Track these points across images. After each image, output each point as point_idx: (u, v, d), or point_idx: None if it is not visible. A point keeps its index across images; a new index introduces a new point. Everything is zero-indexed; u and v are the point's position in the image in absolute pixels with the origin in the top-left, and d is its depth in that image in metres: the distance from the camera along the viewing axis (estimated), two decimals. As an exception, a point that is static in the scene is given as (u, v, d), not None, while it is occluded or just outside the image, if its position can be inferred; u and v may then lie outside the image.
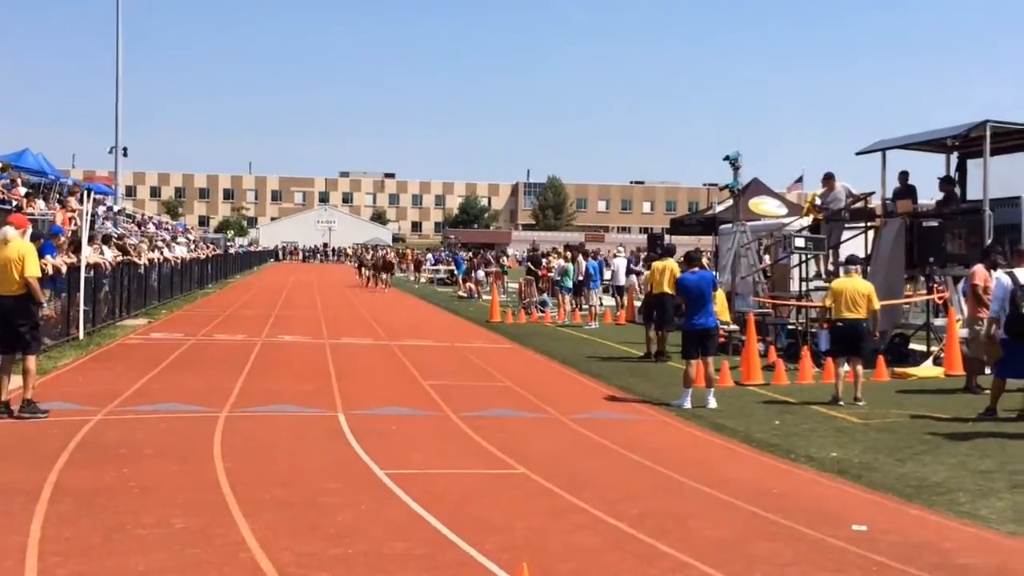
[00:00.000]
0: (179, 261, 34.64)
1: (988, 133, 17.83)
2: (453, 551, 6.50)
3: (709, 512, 7.88)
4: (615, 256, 32.87)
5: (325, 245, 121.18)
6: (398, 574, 6.00)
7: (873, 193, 21.33)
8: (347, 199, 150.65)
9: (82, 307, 19.10)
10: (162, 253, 31.39)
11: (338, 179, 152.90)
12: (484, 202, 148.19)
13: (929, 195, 20.86)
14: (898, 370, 16.50)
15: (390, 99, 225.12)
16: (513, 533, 6.97)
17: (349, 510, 7.46)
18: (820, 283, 20.27)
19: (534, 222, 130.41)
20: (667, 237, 35.84)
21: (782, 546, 6.87)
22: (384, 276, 48.40)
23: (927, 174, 20.37)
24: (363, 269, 53.75)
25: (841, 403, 13.33)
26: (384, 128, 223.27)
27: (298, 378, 14.97)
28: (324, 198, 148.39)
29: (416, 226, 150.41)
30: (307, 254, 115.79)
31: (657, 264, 19.94)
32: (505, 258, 53.11)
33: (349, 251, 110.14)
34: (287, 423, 11.20)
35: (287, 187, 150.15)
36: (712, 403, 13.11)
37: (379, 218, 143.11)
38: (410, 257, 70.60)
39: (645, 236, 50.86)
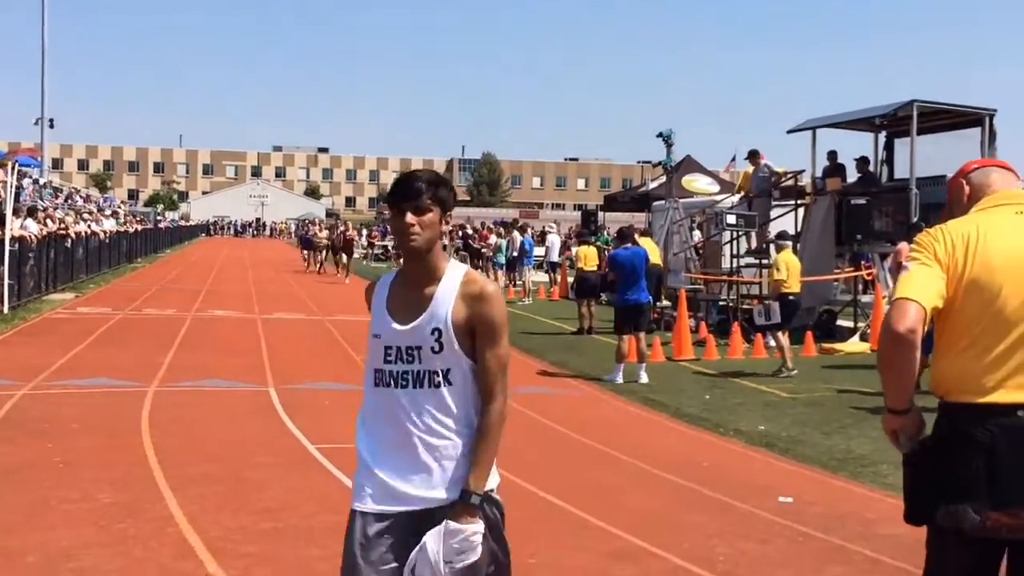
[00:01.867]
0: (107, 235, 34.06)
1: (915, 113, 18.13)
2: (384, 524, 6.49)
3: (638, 485, 7.97)
4: (548, 232, 32.96)
5: (258, 220, 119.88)
6: (329, 547, 5.97)
7: (803, 171, 21.61)
8: (280, 173, 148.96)
9: (6, 281, 18.71)
10: (90, 227, 30.84)
11: (271, 153, 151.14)
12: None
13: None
14: (826, 345, 16.77)
15: (325, 73, 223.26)
16: (444, 506, 6.97)
17: (279, 484, 7.43)
18: (751, 260, 20.54)
19: (469, 198, 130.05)
20: (601, 214, 36.08)
21: (709, 518, 6.97)
22: (344, 260, 35.84)
23: (856, 153, 20.67)
24: (312, 251, 40.98)
25: (795, 372, 13.58)
26: (318, 102, 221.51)
27: (229, 353, 14.82)
28: (257, 172, 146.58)
29: (350, 201, 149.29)
30: (239, 229, 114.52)
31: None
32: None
33: (287, 226, 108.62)
34: (217, 398, 11.10)
35: (219, 161, 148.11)
36: (644, 378, 13.23)
37: (312, 193, 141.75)
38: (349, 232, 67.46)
39: (579, 213, 51.08)
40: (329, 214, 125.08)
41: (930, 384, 3.16)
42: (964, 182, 3.35)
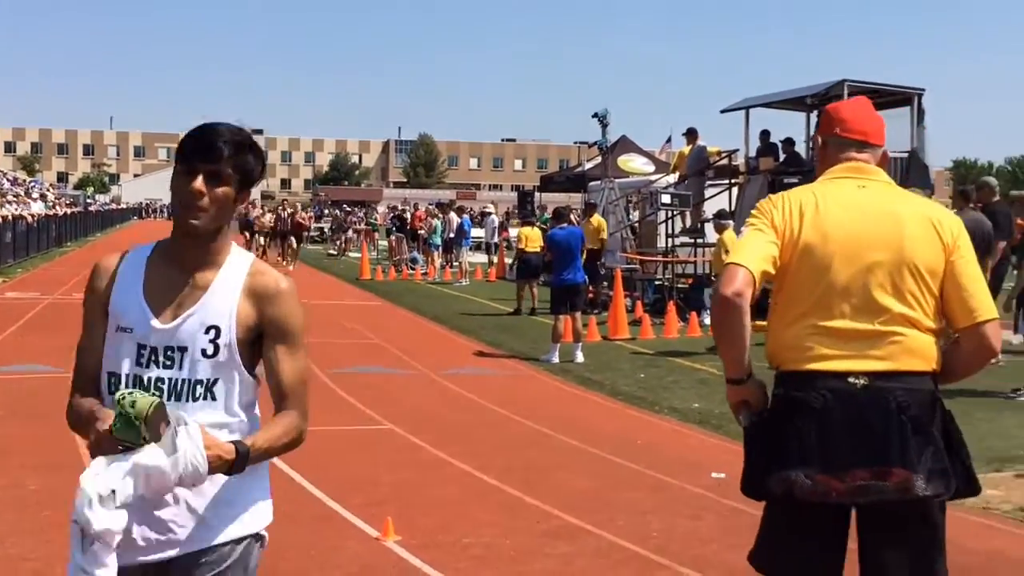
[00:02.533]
0: (35, 218, 33.38)
1: (845, 92, 18.32)
2: (318, 507, 6.47)
3: (574, 463, 8.00)
4: (486, 214, 32.83)
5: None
6: (261, 531, 5.93)
7: (737, 151, 21.78)
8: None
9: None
10: (17, 210, 30.20)
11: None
12: (355, 159, 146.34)
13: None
14: (758, 323, 16.89)
15: (259, 53, 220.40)
16: (378, 488, 6.96)
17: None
18: (686, 239, 20.66)
19: (405, 180, 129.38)
20: (537, 194, 36.10)
21: (643, 495, 7.02)
22: (294, 244, 32.48)
23: (790, 132, 20.86)
24: (254, 236, 35.20)
25: None
26: (252, 83, 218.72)
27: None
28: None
29: (285, 183, 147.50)
30: (172, 212, 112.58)
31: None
32: (376, 215, 52.56)
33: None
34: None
35: (151, 143, 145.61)
36: (580, 357, 13.27)
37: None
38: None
39: (516, 194, 51.08)
40: (264, 196, 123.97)
41: (765, 355, 3.18)
42: (823, 142, 3.32)
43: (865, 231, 3.03)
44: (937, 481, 2.94)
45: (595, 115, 22.27)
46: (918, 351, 3.02)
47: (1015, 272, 14.20)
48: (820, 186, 3.20)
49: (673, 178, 22.69)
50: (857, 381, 2.96)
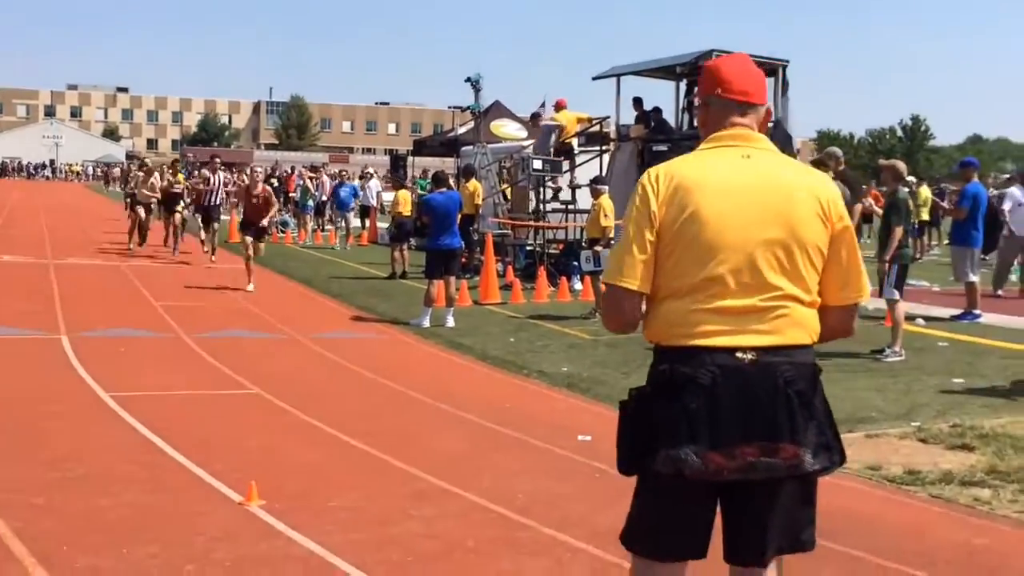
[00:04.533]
0: None
1: (714, 62, 18.63)
2: (180, 473, 6.36)
3: (442, 427, 8.02)
4: (369, 177, 32.38)
5: (52, 162, 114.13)
6: (120, 496, 5.81)
7: (608, 118, 21.98)
8: (76, 113, 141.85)
9: None
10: None
11: (65, 92, 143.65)
12: (224, 120, 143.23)
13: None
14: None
15: (123, 8, 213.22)
16: (243, 453, 6.88)
17: (70, 434, 7.15)
18: (557, 205, 20.81)
19: (277, 142, 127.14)
20: (411, 159, 35.87)
21: (511, 458, 7.09)
22: (214, 227, 21.93)
23: (660, 101, 21.16)
24: (145, 210, 23.23)
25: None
26: (116, 39, 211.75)
27: (19, 299, 14.12)
28: (51, 112, 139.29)
29: (152, 143, 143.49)
30: (32, 171, 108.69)
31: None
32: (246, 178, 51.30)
33: (83, 169, 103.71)
34: (3, 346, 10.57)
35: (8, 99, 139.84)
36: (451, 322, 13.28)
37: (111, 134, 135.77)
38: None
39: (389, 157, 50.67)
40: (130, 156, 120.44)
41: (644, 329, 3.12)
42: (703, 102, 3.24)
43: (750, 206, 2.97)
44: (822, 455, 2.96)
45: (468, 79, 22.18)
46: (802, 324, 3.02)
47: (867, 240, 14.66)
48: (703, 156, 3.12)
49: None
50: (745, 356, 2.93)
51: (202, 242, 23.13)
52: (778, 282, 2.97)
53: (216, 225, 21.84)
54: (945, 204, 14.55)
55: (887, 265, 11.18)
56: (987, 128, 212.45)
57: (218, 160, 23.27)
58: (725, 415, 2.89)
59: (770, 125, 14.01)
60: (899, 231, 11.16)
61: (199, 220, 23.25)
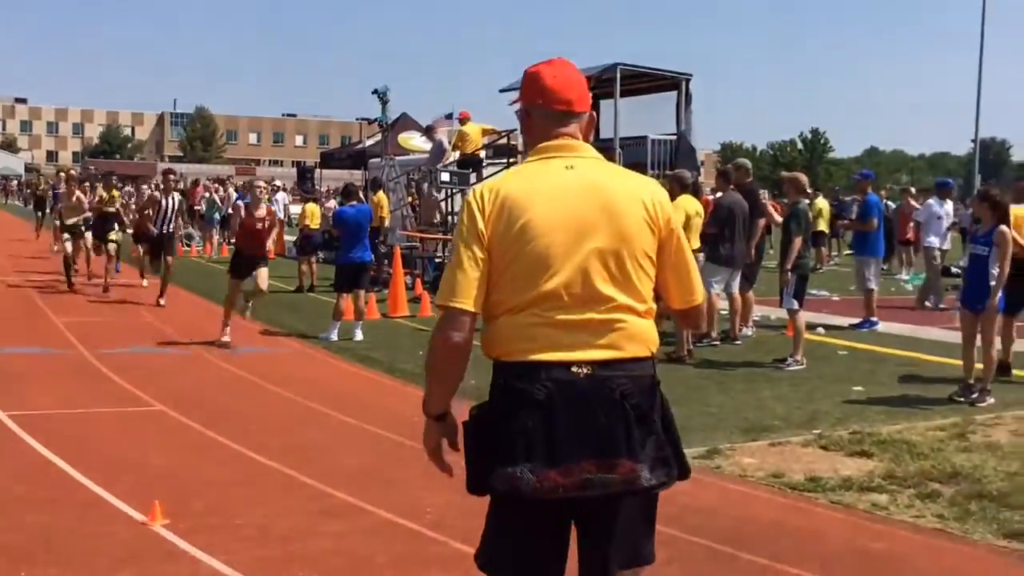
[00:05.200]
0: None
1: (618, 75, 18.91)
2: (82, 492, 6.24)
3: (351, 442, 7.98)
4: (277, 190, 31.98)
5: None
6: (21, 518, 5.68)
7: (515, 130, 22.08)
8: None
9: None
10: None
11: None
12: (128, 131, 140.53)
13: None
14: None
15: (20, 16, 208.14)
16: (147, 471, 6.77)
17: (-35, 456, 6.96)
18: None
19: (182, 154, 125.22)
20: (318, 171, 35.66)
21: (419, 472, 7.01)
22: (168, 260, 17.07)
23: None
24: (71, 235, 18.31)
25: None
26: (14, 49, 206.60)
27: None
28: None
29: (52, 155, 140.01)
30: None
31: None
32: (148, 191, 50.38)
33: (10, 183, 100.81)
34: None
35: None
36: (359, 335, 13.21)
37: (9, 146, 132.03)
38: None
39: (296, 170, 50.28)
40: (29, 169, 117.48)
41: (482, 345, 3.06)
42: (526, 110, 3.14)
43: (578, 217, 2.92)
44: (660, 470, 2.90)
45: (375, 91, 22.16)
46: (638, 336, 2.96)
47: (770, 250, 14.92)
48: (527, 170, 3.05)
49: (453, 156, 22.83)
50: (580, 370, 2.86)
51: (141, 274, 18.93)
52: (611, 293, 2.93)
53: (171, 259, 16.82)
54: (851, 218, 14.94)
55: (787, 275, 11.42)
56: (883, 141, 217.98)
57: (172, 177, 18.79)
58: (561, 432, 2.83)
59: (674, 137, 14.41)
60: (798, 242, 11.40)
61: (141, 251, 18.23)
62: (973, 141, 53.37)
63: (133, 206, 23.17)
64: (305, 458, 7.24)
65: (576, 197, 2.95)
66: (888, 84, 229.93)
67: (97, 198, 19.13)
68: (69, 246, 18.10)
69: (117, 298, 16.80)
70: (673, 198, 11.85)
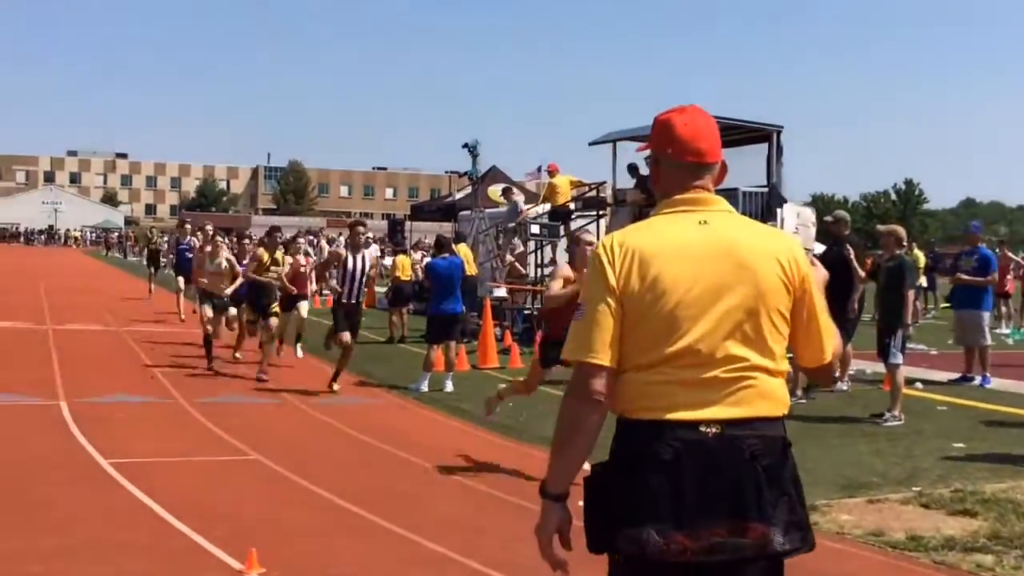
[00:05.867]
0: None
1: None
2: (180, 539, 6.33)
3: (441, 492, 7.99)
4: (371, 243, 32.46)
5: (51, 227, 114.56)
6: (121, 564, 5.79)
7: (604, 182, 22.14)
8: (75, 179, 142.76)
9: None
10: None
11: (65, 158, 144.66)
12: (223, 185, 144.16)
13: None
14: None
15: (122, 76, 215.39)
16: (243, 519, 6.85)
17: (69, 502, 7.13)
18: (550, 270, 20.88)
19: (275, 206, 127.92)
20: (408, 223, 36.06)
21: (511, 522, 7.04)
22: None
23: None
24: (212, 305, 15.08)
25: None
26: (115, 106, 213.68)
27: (17, 366, 14.11)
28: (50, 178, 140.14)
29: (150, 208, 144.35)
30: (29, 237, 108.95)
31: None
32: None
33: (83, 234, 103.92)
34: (3, 413, 10.55)
35: (7, 165, 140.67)
36: (449, 386, 13.27)
37: (110, 200, 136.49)
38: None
39: (387, 222, 50.96)
40: (128, 222, 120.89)
41: (610, 403, 2.88)
42: (656, 159, 3.05)
43: (712, 275, 2.83)
44: (794, 534, 2.79)
45: (465, 145, 22.45)
46: (770, 395, 2.85)
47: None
48: (658, 225, 2.95)
49: (543, 208, 22.94)
50: (709, 429, 2.75)
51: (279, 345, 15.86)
52: (743, 353, 2.82)
53: (348, 339, 13.16)
54: (963, 272, 14.44)
55: (906, 328, 11.23)
56: (980, 192, 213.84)
57: (362, 230, 13.71)
58: (688, 492, 2.71)
59: (765, 190, 14.25)
60: (911, 295, 11.24)
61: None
62: (1074, 191, 52.00)
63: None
64: (396, 507, 7.27)
65: (710, 254, 2.85)
66: (984, 132, 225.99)
67: (255, 260, 14.88)
68: (209, 310, 14.86)
69: (276, 386, 16.84)
70: (889, 251, 11.76)
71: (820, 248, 14.80)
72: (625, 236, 2.93)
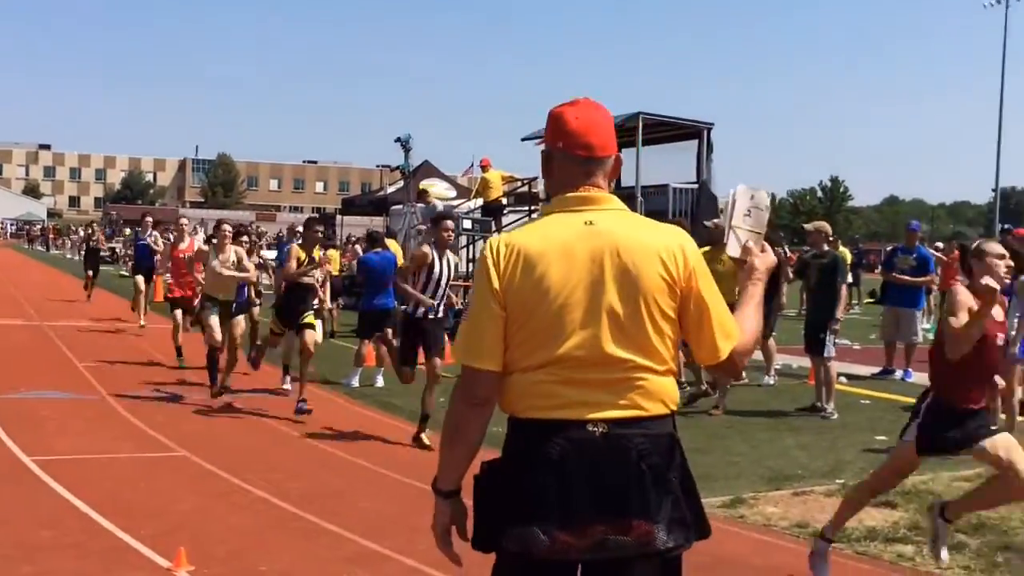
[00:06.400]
0: None
1: (641, 124, 19.05)
2: (106, 538, 6.25)
3: (373, 488, 7.99)
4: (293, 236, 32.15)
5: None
6: (45, 564, 5.70)
7: (537, 178, 22.22)
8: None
9: None
10: None
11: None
12: (149, 177, 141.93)
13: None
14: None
15: (45, 65, 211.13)
16: (171, 517, 6.78)
17: (-10, 500, 6.99)
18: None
19: (203, 199, 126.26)
20: (339, 217, 35.88)
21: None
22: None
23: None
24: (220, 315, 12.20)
25: None
26: (38, 96, 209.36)
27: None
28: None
29: (74, 201, 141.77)
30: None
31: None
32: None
33: (3, 227, 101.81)
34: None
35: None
36: (380, 381, 13.25)
37: (32, 192, 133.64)
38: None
39: (317, 216, 50.63)
40: (51, 214, 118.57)
41: (500, 401, 2.92)
42: (547, 154, 3.02)
43: (593, 276, 2.80)
44: (677, 531, 2.78)
45: (398, 139, 22.37)
46: (656, 394, 2.84)
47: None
48: (545, 225, 2.92)
49: (476, 203, 22.97)
50: (596, 429, 2.76)
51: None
52: (627, 355, 2.80)
53: (439, 362, 10.39)
54: (900, 274, 14.61)
55: (835, 324, 11.45)
56: (903, 190, 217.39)
57: (449, 225, 10.38)
58: (574, 491, 2.73)
59: (695, 186, 14.34)
60: (845, 290, 11.48)
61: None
62: (994, 190, 53.31)
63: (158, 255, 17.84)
64: (328, 504, 7.24)
65: (592, 255, 2.81)
66: (907, 133, 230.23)
67: (293, 260, 11.42)
68: (213, 329, 11.97)
69: (139, 342, 16.77)
70: (818, 247, 11.92)
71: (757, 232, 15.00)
72: (512, 236, 2.91)
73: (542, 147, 3.06)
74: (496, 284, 2.82)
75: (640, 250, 2.83)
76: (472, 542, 2.91)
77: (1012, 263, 9.67)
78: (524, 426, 2.83)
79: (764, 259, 3.17)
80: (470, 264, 20.42)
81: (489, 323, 2.83)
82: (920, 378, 14.23)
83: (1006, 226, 20.39)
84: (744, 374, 13.35)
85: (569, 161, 2.93)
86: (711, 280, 2.94)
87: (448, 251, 10.22)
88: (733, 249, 3.32)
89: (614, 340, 2.79)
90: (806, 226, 12.70)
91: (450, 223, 10.25)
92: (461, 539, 2.97)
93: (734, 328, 2.94)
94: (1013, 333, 9.42)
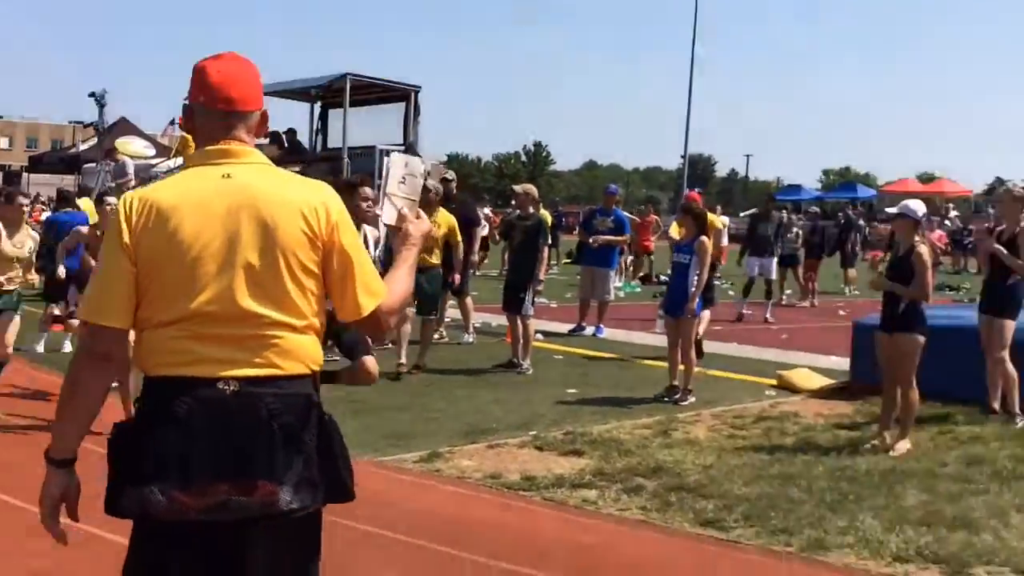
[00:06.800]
0: None
1: (348, 85, 18.98)
2: None
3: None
4: None
5: None
6: None
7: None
8: None
9: None
10: None
11: None
12: None
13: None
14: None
15: None
16: None
17: None
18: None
19: None
20: (25, 175, 33.76)
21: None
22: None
23: (300, 123, 21.17)
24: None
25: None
26: None
27: None
28: None
29: None
30: None
31: None
32: None
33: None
34: None
35: None
36: (68, 347, 12.64)
37: None
38: None
39: (1, 174, 47.32)
40: None
41: (134, 358, 2.84)
42: (190, 109, 2.97)
43: (228, 230, 2.74)
44: (305, 492, 2.73)
45: (92, 95, 21.27)
46: (294, 353, 2.79)
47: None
48: (183, 179, 2.87)
49: (175, 162, 22.18)
50: (227, 387, 2.69)
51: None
52: (263, 310, 2.75)
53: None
54: (599, 236, 15.24)
55: (538, 284, 11.93)
56: (601, 155, 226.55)
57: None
58: (200, 450, 2.64)
59: (402, 148, 14.30)
60: (547, 251, 11.96)
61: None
62: (683, 157, 56.59)
63: None
64: (15, 477, 6.87)
65: (229, 208, 2.76)
66: (605, 99, 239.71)
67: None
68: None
69: None
70: (524, 210, 12.12)
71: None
72: (147, 191, 2.85)
73: (184, 101, 3.00)
74: (127, 239, 2.74)
75: (280, 204, 2.79)
76: (105, 507, 2.75)
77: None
78: (155, 384, 2.75)
79: (419, 225, 3.18)
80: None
81: (117, 279, 2.74)
82: (611, 334, 15.06)
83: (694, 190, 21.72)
84: (443, 331, 13.68)
85: (210, 115, 2.89)
86: (356, 236, 2.94)
87: (367, 226, 8.51)
88: (389, 216, 3.32)
89: (249, 295, 2.74)
90: (515, 188, 13.05)
91: (368, 191, 8.04)
92: (71, 518, 2.83)
93: (380, 286, 2.92)
94: (692, 290, 10.12)
